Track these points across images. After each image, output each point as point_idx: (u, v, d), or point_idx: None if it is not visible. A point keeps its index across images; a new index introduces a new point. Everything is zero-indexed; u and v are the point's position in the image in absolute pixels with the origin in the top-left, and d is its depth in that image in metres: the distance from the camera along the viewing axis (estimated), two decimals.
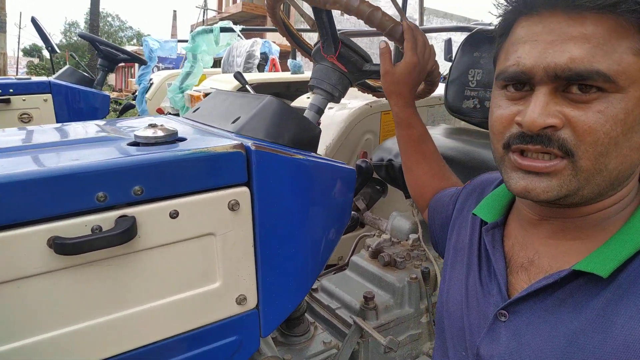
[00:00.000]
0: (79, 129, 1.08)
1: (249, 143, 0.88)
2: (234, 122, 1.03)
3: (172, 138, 0.88)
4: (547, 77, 0.56)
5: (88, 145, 0.90)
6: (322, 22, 1.14)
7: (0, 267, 0.67)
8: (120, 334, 0.79)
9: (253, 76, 3.33)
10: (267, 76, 3.46)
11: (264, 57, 4.84)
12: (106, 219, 0.74)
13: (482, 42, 1.68)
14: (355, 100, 2.17)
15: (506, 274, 0.68)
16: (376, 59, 1.22)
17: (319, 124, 1.29)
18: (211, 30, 3.19)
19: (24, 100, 2.64)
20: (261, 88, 3.04)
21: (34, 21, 3.21)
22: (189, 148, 0.83)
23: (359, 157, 2.09)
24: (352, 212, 1.64)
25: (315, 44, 1.30)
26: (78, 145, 0.90)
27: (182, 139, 0.90)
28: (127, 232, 0.73)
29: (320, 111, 1.26)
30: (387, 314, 1.42)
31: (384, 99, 1.43)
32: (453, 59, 1.73)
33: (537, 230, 0.68)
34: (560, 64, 0.54)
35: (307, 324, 1.38)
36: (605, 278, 0.56)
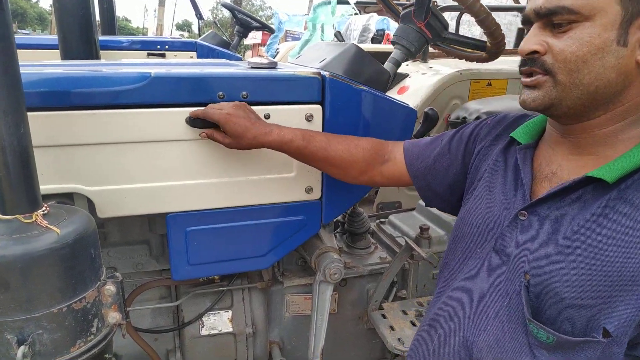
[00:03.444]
0: (215, 61, 1.48)
1: (325, 73, 1.18)
2: (321, 62, 1.34)
3: (272, 65, 1.21)
4: (535, 16, 0.74)
5: (219, 66, 1.28)
6: None
7: (155, 131, 1.06)
8: (224, 193, 1.16)
9: (363, 47, 3.59)
10: (374, 47, 3.73)
11: (381, 33, 5.08)
12: None
13: None
14: (446, 67, 2.35)
15: (531, 185, 0.82)
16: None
17: (395, 75, 1.55)
18: (329, 2, 3.54)
19: (175, 55, 3.23)
20: None
21: None
22: (281, 72, 1.16)
23: (444, 121, 2.28)
24: None
25: (405, 8, 1.54)
26: (211, 66, 1.28)
27: (279, 67, 1.23)
28: None
29: (397, 63, 1.51)
30: (439, 245, 1.65)
31: (468, 62, 1.63)
32: None
33: (561, 147, 0.82)
34: (539, 4, 0.72)
35: (368, 241, 1.67)
36: (611, 183, 0.70)
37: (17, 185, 0.79)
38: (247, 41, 10.34)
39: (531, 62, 0.75)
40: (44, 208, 0.84)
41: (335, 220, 1.76)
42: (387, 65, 1.49)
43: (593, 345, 0.67)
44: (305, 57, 1.53)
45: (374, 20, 4.93)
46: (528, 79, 0.77)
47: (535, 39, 0.75)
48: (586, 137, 0.77)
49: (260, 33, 9.02)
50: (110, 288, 0.91)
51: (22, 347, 0.77)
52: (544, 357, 0.72)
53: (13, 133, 0.77)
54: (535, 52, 0.75)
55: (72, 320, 0.83)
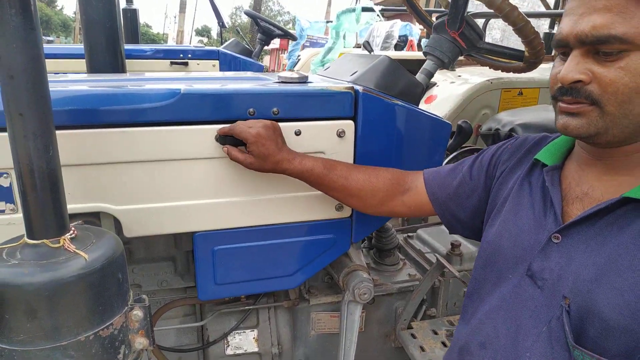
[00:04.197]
0: (242, 74, 1.45)
1: (358, 87, 1.14)
2: (352, 74, 1.29)
3: (303, 80, 1.18)
4: (577, 42, 0.69)
5: (247, 80, 1.25)
6: (458, 3, 1.32)
7: (184, 149, 1.03)
8: (253, 212, 1.13)
9: (387, 54, 3.53)
10: (398, 54, 3.67)
11: (404, 39, 5.02)
12: None
13: None
14: (477, 76, 2.28)
15: (562, 206, 0.80)
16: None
17: (428, 86, 1.50)
18: (354, 10, 3.50)
19: (198, 64, 3.23)
20: None
21: (210, 0, 3.84)
22: (313, 86, 1.12)
23: (474, 132, 2.21)
24: None
25: (438, 18, 1.49)
26: (240, 80, 1.25)
27: (310, 82, 1.19)
28: None
29: (429, 74, 1.45)
30: (471, 262, 1.58)
31: (504, 72, 1.58)
32: None
33: (592, 168, 0.79)
34: (585, 31, 0.68)
35: (397, 257, 1.62)
36: None
37: (45, 209, 0.77)
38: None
39: (574, 91, 0.71)
40: (71, 231, 0.82)
41: None
42: (419, 77, 1.44)
43: None
44: (334, 69, 1.49)
45: (397, 27, 4.86)
46: (571, 107, 0.73)
47: (579, 68, 0.70)
48: (623, 159, 0.75)
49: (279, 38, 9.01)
50: (138, 313, 0.88)
51: None
52: None
53: (42, 156, 0.74)
54: (578, 80, 0.71)
55: (99, 347, 0.80)
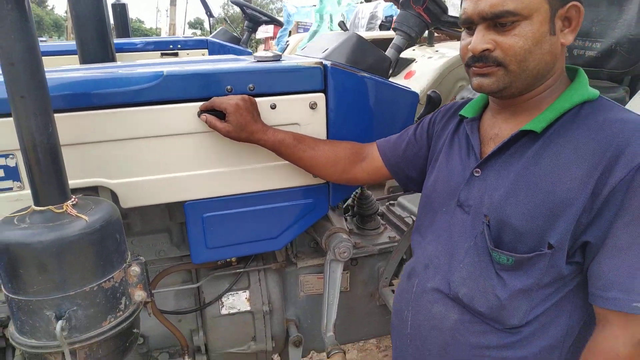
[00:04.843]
0: (223, 57, 1.55)
1: (327, 62, 1.24)
2: (324, 52, 1.40)
3: (277, 58, 1.28)
4: (480, 19, 0.87)
5: (226, 61, 1.36)
6: None
7: (170, 125, 1.15)
8: (237, 180, 1.24)
9: (371, 34, 3.65)
10: (381, 33, 3.76)
11: (390, 19, 5.08)
12: None
13: None
14: (452, 50, 2.38)
15: (480, 147, 1.00)
16: None
17: (398, 61, 1.60)
18: None
19: (187, 54, 3.32)
20: (375, 44, 3.31)
21: None
22: (285, 63, 1.23)
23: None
24: None
25: None
26: (220, 62, 1.36)
27: (283, 59, 1.30)
28: None
29: (399, 49, 1.56)
30: None
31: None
32: None
33: (501, 115, 1.00)
34: (485, 10, 0.85)
35: (378, 222, 1.74)
36: (539, 133, 0.89)
37: (48, 179, 0.88)
38: (259, 35, 10.41)
39: (484, 58, 0.89)
40: (72, 199, 0.93)
41: (345, 204, 1.84)
42: (389, 52, 1.54)
43: (542, 257, 0.87)
44: (310, 48, 1.59)
45: (381, 7, 4.94)
46: (483, 70, 0.90)
47: (484, 39, 0.88)
48: (523, 104, 0.95)
49: (271, 26, 9.08)
50: (135, 269, 1.00)
51: (60, 322, 0.86)
52: (507, 276, 0.92)
53: (43, 132, 0.86)
54: (486, 49, 0.88)
55: (103, 297, 0.93)
